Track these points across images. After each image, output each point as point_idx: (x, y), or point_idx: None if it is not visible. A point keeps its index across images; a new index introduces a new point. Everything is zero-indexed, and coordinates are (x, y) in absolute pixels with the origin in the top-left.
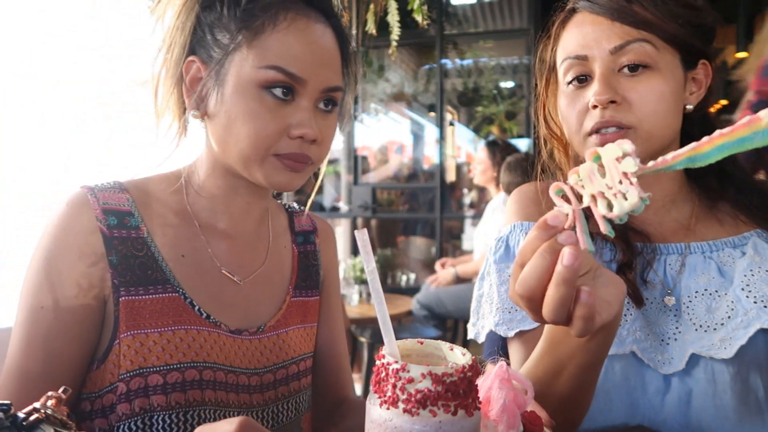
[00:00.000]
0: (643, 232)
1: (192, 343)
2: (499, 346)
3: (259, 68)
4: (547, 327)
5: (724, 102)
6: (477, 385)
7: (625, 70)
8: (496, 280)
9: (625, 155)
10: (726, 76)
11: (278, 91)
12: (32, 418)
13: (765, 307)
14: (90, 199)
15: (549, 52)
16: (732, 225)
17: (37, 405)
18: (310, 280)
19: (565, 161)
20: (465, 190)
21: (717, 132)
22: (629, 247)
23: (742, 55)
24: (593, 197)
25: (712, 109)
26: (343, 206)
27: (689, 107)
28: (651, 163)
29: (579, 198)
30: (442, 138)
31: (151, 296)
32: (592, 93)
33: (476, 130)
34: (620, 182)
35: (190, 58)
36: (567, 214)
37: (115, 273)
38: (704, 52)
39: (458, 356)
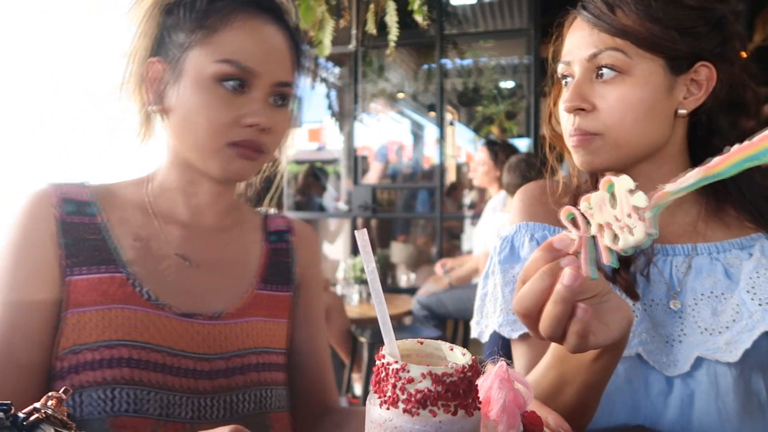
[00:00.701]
0: None
1: (127, 321)
2: (499, 346)
3: (213, 62)
4: (552, 347)
5: None
6: (477, 385)
7: (600, 75)
8: (500, 280)
9: (636, 190)
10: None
11: (231, 84)
12: (32, 418)
13: None
14: (50, 189)
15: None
16: (738, 227)
17: (37, 405)
18: (281, 275)
19: (567, 158)
20: (465, 190)
21: (735, 147)
22: None
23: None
24: (600, 227)
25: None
26: (343, 206)
27: (682, 112)
28: (669, 188)
29: (588, 224)
30: (442, 138)
31: (94, 275)
32: (564, 98)
33: (476, 130)
34: (629, 216)
35: (152, 59)
36: (573, 240)
37: (63, 254)
38: (700, 54)
39: (458, 356)
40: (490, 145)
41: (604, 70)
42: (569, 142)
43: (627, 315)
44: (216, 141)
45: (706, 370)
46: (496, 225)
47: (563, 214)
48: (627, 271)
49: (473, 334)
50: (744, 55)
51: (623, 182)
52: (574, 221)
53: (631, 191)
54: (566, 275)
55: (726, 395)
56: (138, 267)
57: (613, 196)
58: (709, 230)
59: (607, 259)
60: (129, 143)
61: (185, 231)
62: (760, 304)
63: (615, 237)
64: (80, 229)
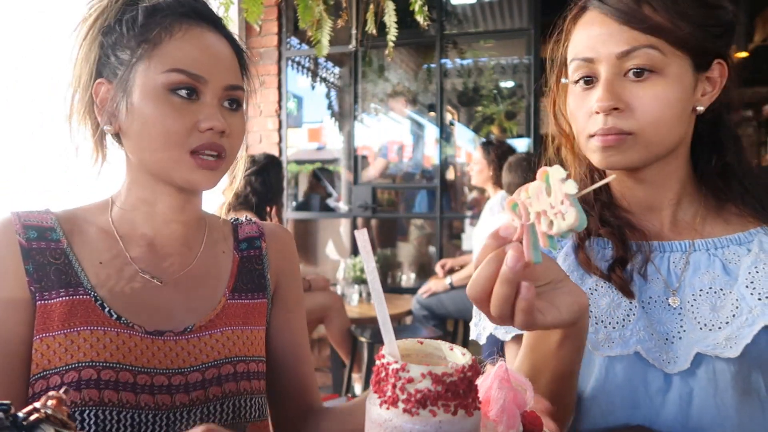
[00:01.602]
0: (643, 230)
1: (95, 343)
2: (498, 347)
3: (161, 73)
4: (525, 333)
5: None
6: (477, 385)
7: (631, 74)
8: None
9: (568, 177)
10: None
11: (183, 92)
12: (32, 418)
13: None
14: (12, 218)
15: (561, 48)
16: (739, 224)
17: (37, 405)
18: (253, 283)
19: (571, 158)
20: (465, 190)
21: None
22: (623, 244)
23: (742, 54)
24: (538, 214)
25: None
26: (343, 206)
27: (700, 109)
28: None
29: (527, 214)
30: (442, 138)
31: (62, 299)
32: (596, 98)
33: (476, 130)
34: (562, 202)
35: (98, 80)
36: (516, 227)
37: (31, 281)
38: (718, 52)
39: (458, 356)
40: (485, 145)
41: (638, 69)
42: (594, 141)
43: (579, 301)
44: (176, 150)
45: (705, 367)
46: (495, 225)
47: (508, 205)
48: (622, 270)
49: (472, 336)
50: (746, 54)
51: (556, 172)
52: (517, 211)
53: (563, 180)
54: (509, 258)
55: (725, 391)
56: (104, 289)
57: (549, 185)
58: (708, 227)
59: (545, 244)
60: (85, 169)
61: (150, 249)
62: (759, 299)
63: (551, 223)
64: (45, 254)
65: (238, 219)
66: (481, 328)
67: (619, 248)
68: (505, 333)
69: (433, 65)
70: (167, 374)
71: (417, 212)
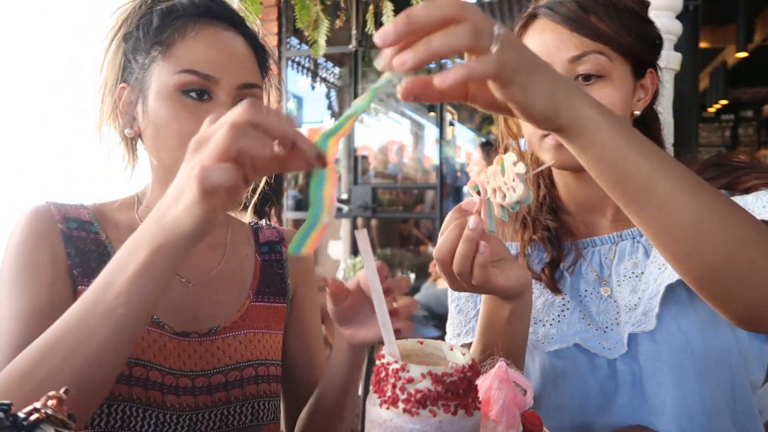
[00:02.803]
0: (575, 231)
1: None
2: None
3: (173, 74)
4: (481, 314)
5: (723, 102)
6: (477, 385)
7: (580, 79)
8: (449, 297)
9: (518, 161)
10: (724, 75)
11: (194, 94)
12: (32, 418)
13: (666, 268)
14: (51, 207)
15: None
16: None
17: (37, 405)
18: (275, 286)
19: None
20: (465, 189)
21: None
22: (556, 246)
23: (741, 55)
24: (494, 190)
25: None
26: (342, 206)
27: (636, 113)
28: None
29: (486, 192)
30: (442, 138)
31: None
32: None
33: (476, 130)
34: (513, 180)
35: (121, 85)
36: (476, 203)
37: (73, 264)
38: (652, 61)
39: (458, 356)
40: (484, 145)
41: (587, 74)
42: (548, 141)
43: (525, 274)
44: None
45: (642, 347)
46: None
47: (470, 185)
48: (553, 270)
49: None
50: (746, 54)
51: (509, 157)
52: (477, 191)
53: (515, 162)
54: (471, 221)
55: (663, 366)
56: None
57: (503, 169)
58: None
59: (499, 213)
60: (118, 170)
61: None
62: (659, 268)
63: (504, 196)
64: (85, 241)
65: (257, 223)
66: (447, 337)
67: (550, 251)
68: (456, 342)
69: (432, 65)
70: (191, 376)
71: (417, 212)
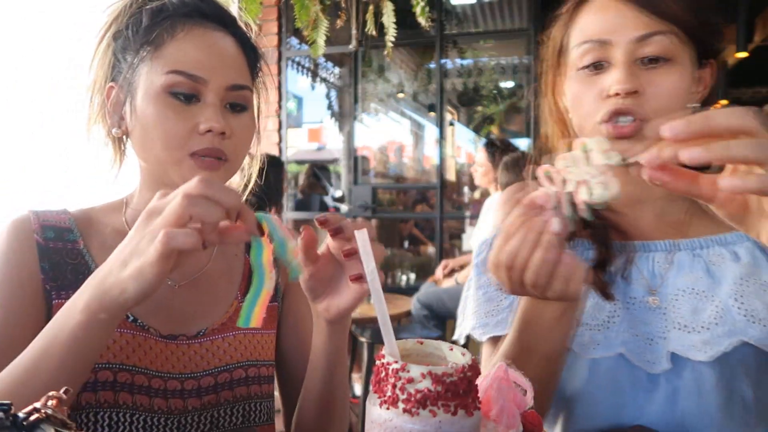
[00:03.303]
0: (627, 230)
1: (112, 345)
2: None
3: (161, 75)
4: (518, 315)
5: (723, 102)
6: (477, 385)
7: (645, 60)
8: (474, 283)
9: (609, 149)
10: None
11: (182, 95)
12: (32, 418)
13: (753, 322)
14: (31, 216)
15: (561, 33)
16: (723, 224)
17: (37, 405)
18: None
19: (562, 148)
20: (465, 189)
21: None
22: (605, 245)
23: (742, 54)
24: (578, 183)
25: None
26: (343, 206)
27: (696, 105)
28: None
29: (563, 182)
30: (442, 138)
31: None
32: (614, 81)
33: (476, 130)
34: (603, 173)
35: (110, 84)
36: (551, 195)
37: (46, 279)
38: (714, 51)
39: (458, 356)
40: (489, 146)
41: (653, 56)
42: (605, 127)
43: (584, 275)
44: (176, 152)
45: (690, 369)
46: (491, 226)
47: (541, 171)
48: (603, 272)
49: (454, 336)
50: (746, 54)
51: (599, 143)
52: (550, 179)
53: (606, 151)
54: (555, 223)
55: (709, 394)
56: None
57: (585, 155)
58: (693, 227)
59: (583, 212)
60: (106, 170)
61: None
62: (745, 316)
63: (589, 192)
64: (61, 253)
65: None
66: (463, 328)
67: (600, 251)
68: (481, 334)
69: (432, 65)
70: (180, 379)
71: (417, 212)
